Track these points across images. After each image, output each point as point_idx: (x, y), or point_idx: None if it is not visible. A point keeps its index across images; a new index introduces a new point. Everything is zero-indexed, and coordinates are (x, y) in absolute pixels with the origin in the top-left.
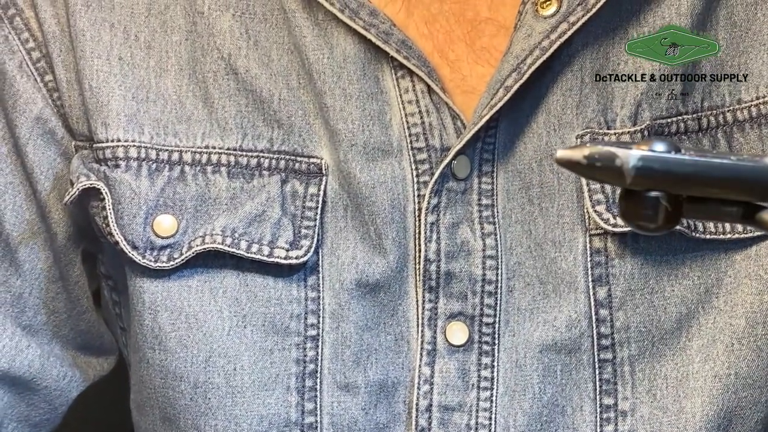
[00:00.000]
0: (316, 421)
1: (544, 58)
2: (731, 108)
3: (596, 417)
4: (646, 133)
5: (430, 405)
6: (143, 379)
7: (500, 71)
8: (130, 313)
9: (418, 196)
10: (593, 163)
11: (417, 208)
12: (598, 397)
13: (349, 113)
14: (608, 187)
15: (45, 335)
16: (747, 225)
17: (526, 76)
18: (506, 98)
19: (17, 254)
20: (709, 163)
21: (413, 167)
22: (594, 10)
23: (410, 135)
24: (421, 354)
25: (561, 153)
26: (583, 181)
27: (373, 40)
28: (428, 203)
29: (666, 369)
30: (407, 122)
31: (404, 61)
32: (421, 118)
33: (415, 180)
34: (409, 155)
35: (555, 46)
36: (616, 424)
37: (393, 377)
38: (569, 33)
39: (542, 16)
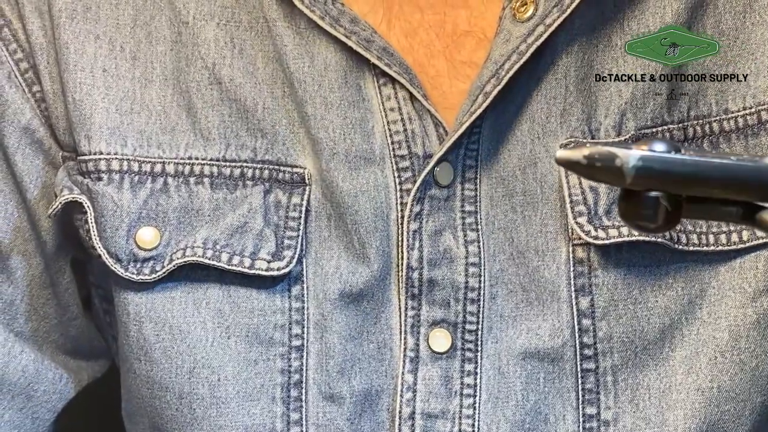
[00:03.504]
0: None
1: (522, 61)
2: (718, 118)
3: (579, 426)
4: (631, 143)
5: (413, 412)
6: (131, 388)
7: (480, 77)
8: (117, 323)
9: (401, 204)
10: (593, 163)
11: (400, 216)
12: (580, 406)
13: (330, 121)
14: (590, 199)
15: (36, 341)
16: (747, 225)
17: (504, 81)
18: (485, 104)
19: (9, 261)
20: (709, 163)
21: (396, 175)
22: (569, 11)
23: (393, 143)
24: (404, 361)
25: (561, 153)
26: (566, 191)
27: (354, 47)
28: (411, 211)
29: (648, 379)
30: (390, 130)
31: (386, 68)
32: (404, 125)
33: (398, 188)
34: (391, 163)
35: (532, 49)
36: None
37: (377, 385)
38: (546, 35)
39: (519, 21)
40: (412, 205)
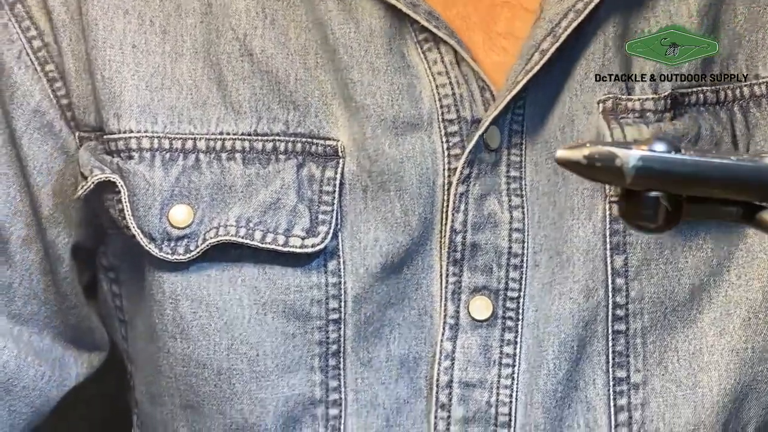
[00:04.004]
0: (341, 398)
1: (580, 20)
2: (748, 83)
3: (609, 390)
4: (669, 101)
5: (451, 381)
6: (161, 368)
7: (534, 36)
8: (147, 303)
9: (449, 168)
10: (593, 163)
11: (447, 181)
12: (610, 369)
13: (377, 87)
14: None
15: (36, 324)
16: (747, 225)
17: (562, 38)
18: (542, 62)
19: (8, 245)
20: (709, 163)
21: (444, 140)
22: None
23: (442, 107)
24: (443, 328)
25: (561, 153)
26: None
27: (404, 9)
28: (461, 173)
29: (677, 341)
30: (438, 93)
31: (435, 30)
32: (452, 89)
33: (446, 153)
34: (440, 128)
35: (590, 7)
36: (629, 397)
37: (415, 352)
38: None
39: None
40: (463, 167)
